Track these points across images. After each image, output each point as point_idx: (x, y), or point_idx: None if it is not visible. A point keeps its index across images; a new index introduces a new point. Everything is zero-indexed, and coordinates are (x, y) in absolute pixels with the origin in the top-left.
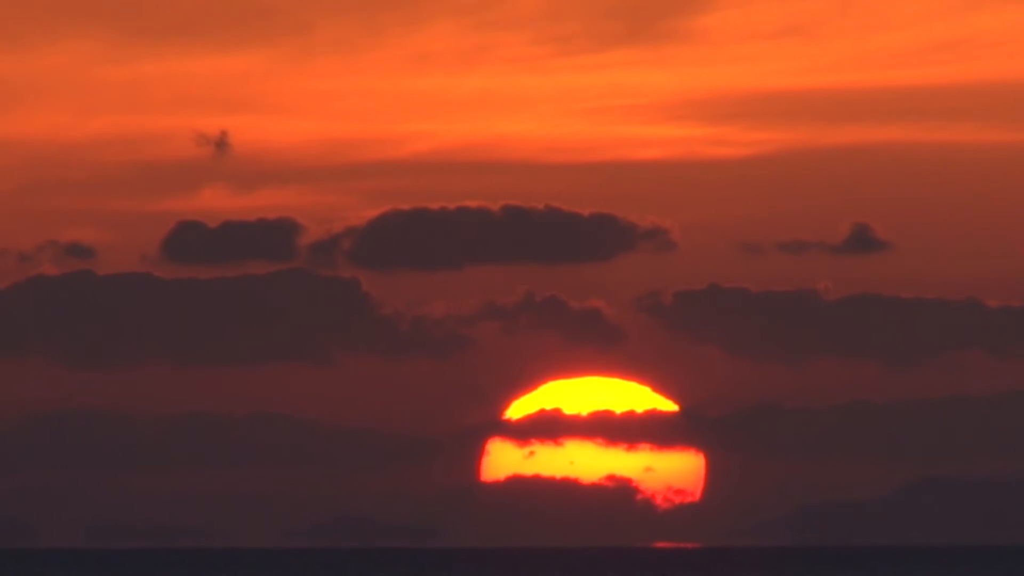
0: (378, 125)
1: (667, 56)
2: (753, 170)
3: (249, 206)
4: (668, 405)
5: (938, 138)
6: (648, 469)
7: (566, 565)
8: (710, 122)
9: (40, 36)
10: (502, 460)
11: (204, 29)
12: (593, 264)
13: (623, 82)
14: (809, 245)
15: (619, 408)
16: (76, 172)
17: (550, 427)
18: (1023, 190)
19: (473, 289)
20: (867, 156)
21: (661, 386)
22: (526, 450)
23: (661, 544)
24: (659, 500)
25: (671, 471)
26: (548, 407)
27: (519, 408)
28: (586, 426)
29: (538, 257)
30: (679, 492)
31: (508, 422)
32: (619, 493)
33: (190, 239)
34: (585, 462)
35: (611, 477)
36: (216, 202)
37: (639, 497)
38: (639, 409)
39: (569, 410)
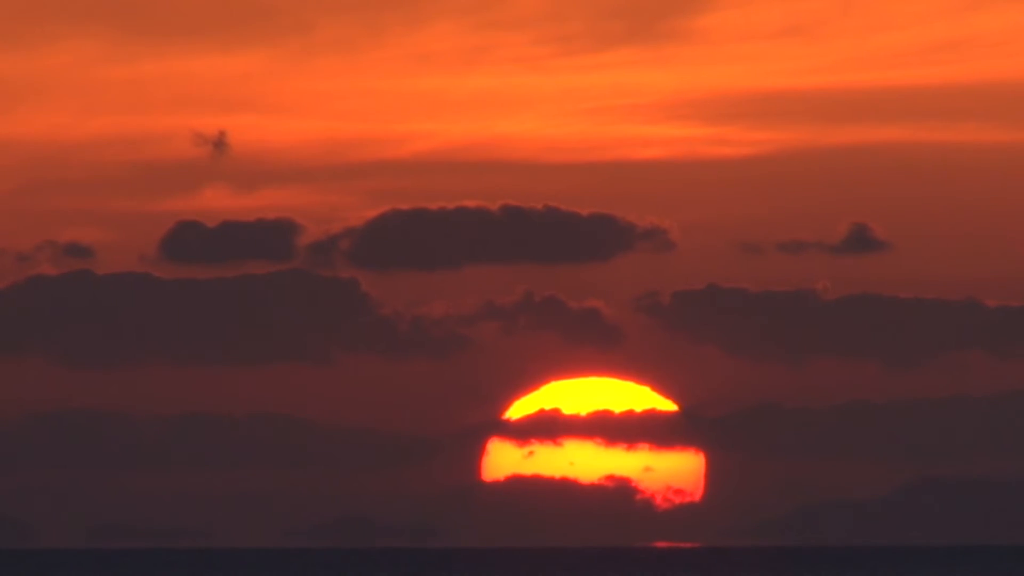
0: (379, 125)
1: (668, 56)
2: (753, 170)
3: (249, 206)
4: (667, 405)
5: (938, 138)
6: (647, 469)
7: (566, 565)
8: (711, 122)
9: (40, 36)
10: (502, 460)
11: (205, 29)
12: (592, 264)
13: (624, 82)
14: (808, 245)
15: (618, 408)
16: (76, 172)
17: (549, 427)
18: (1023, 190)
19: (472, 289)
20: (867, 156)
21: (660, 386)
22: (525, 450)
23: (661, 544)
24: (659, 500)
25: (671, 471)
26: (547, 407)
27: (519, 408)
28: (585, 426)
29: (537, 257)
30: (679, 492)
31: (508, 422)
32: (619, 493)
33: (189, 239)
34: (585, 462)
35: (610, 477)
36: (216, 202)
37: (639, 497)
38: (638, 409)
39: (568, 410)
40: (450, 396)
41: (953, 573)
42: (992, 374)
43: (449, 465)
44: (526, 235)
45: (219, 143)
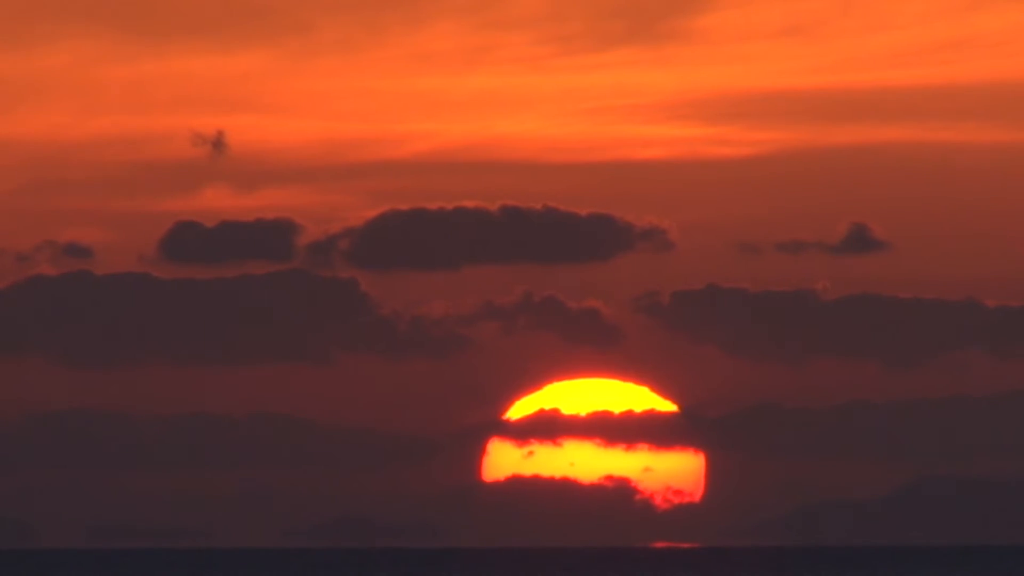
0: (379, 125)
1: (669, 56)
2: (753, 170)
3: (248, 206)
4: (667, 405)
5: (939, 138)
6: (647, 469)
7: (566, 565)
8: (711, 122)
9: (41, 36)
10: (502, 460)
11: (205, 29)
12: (591, 264)
13: (624, 82)
14: (808, 245)
15: (618, 408)
16: (76, 172)
17: (549, 427)
18: (1023, 190)
19: (471, 289)
20: (868, 156)
21: (660, 386)
22: (525, 450)
23: (660, 544)
24: (658, 500)
25: (670, 471)
26: (547, 407)
27: (518, 408)
28: (585, 426)
29: (536, 257)
30: (678, 492)
31: (508, 422)
32: (618, 493)
33: (188, 239)
34: (584, 462)
35: (610, 477)
36: (216, 202)
37: (638, 497)
38: (638, 409)
39: (568, 410)
40: (450, 396)
41: (953, 573)
42: (992, 374)
43: (449, 465)
44: (525, 235)
45: (218, 143)
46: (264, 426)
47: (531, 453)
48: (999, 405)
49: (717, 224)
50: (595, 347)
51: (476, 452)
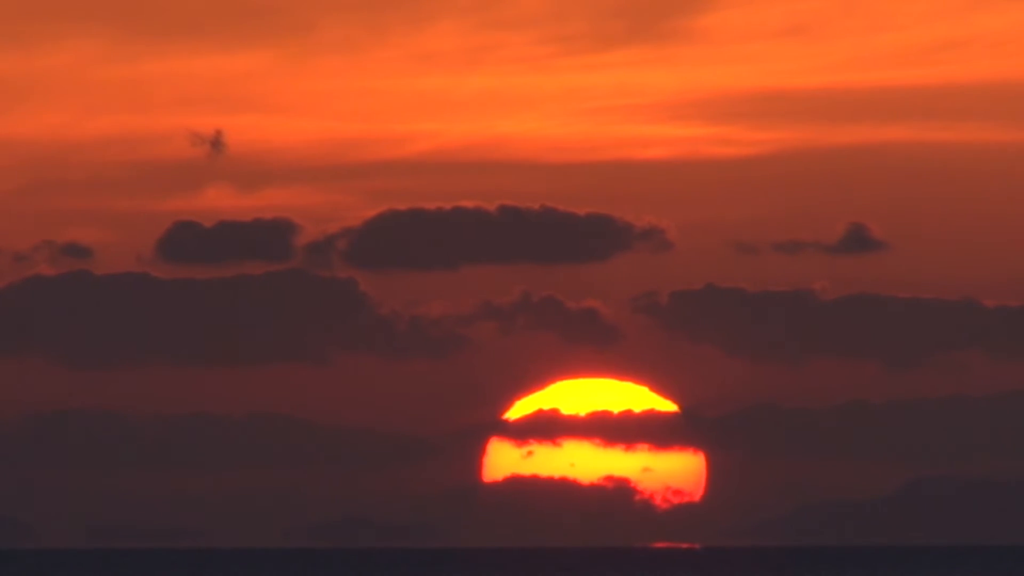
0: (380, 125)
1: (670, 56)
2: (754, 170)
3: (247, 206)
4: (666, 405)
5: (939, 138)
6: (647, 469)
7: (566, 565)
8: (712, 122)
9: (41, 36)
10: (502, 460)
11: (206, 29)
12: (590, 264)
13: (625, 82)
14: (805, 245)
15: (617, 408)
16: (75, 172)
17: (549, 427)
18: (1023, 190)
19: (470, 289)
20: (867, 156)
21: (659, 386)
22: (525, 450)
23: (660, 544)
24: (658, 500)
25: (670, 471)
26: (546, 407)
27: (518, 408)
28: (584, 426)
29: (535, 257)
30: (678, 492)
31: (507, 422)
32: (618, 493)
33: (187, 239)
34: (584, 462)
35: (609, 478)
36: (216, 202)
37: (638, 497)
38: (637, 409)
39: (567, 410)
40: (449, 396)
41: (953, 573)
42: (991, 374)
43: (449, 465)
44: (524, 235)
45: (217, 143)
46: (264, 426)
47: (530, 453)
48: (998, 405)
49: (716, 224)
50: (594, 347)
51: (476, 452)
